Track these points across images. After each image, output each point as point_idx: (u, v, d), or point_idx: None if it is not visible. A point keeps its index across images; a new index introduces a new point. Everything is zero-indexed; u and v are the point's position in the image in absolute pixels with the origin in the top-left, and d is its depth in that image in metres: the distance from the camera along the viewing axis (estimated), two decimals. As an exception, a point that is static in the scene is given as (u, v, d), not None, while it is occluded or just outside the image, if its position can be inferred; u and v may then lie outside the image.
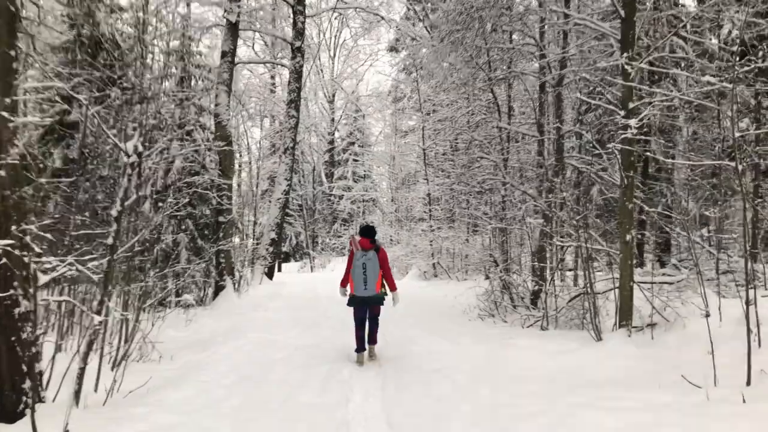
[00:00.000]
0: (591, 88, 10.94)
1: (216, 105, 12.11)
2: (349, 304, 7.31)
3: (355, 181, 32.46)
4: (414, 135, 24.96)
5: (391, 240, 23.42)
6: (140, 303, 7.14)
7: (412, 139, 27.64)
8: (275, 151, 34.76)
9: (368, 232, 7.32)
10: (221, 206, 12.08)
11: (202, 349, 7.66)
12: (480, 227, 18.60)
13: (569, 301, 9.04)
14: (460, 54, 11.22)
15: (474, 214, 16.21)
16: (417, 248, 18.93)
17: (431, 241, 17.79)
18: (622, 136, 6.70)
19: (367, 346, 7.22)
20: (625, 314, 7.02)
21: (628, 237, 6.92)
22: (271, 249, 18.54)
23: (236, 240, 14.21)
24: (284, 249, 40.76)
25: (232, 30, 13.54)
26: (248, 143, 36.69)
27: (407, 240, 20.70)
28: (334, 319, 10.40)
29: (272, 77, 35.84)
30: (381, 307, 7.34)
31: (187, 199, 12.04)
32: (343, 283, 7.53)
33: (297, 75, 19.16)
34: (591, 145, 11.56)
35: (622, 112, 6.83)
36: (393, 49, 42.37)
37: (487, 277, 18.40)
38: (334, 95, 41.91)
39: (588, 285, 7.42)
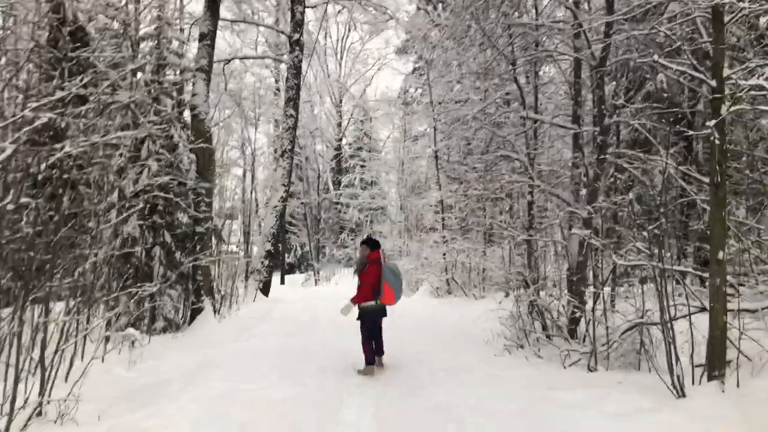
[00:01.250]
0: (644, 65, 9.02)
1: (192, 95, 10.32)
2: (360, 317, 7.41)
3: (363, 189, 30.61)
4: (425, 138, 23.17)
5: (400, 252, 21.52)
6: (67, 336, 5.32)
7: (422, 142, 25.84)
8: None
9: (374, 245, 7.62)
10: (198, 214, 10.28)
11: (146, 401, 5.80)
12: (496, 238, 16.69)
13: (623, 333, 7.10)
14: (476, 34, 9.40)
15: (494, 223, 14.31)
16: (428, 261, 17.02)
17: (444, 254, 15.88)
18: (713, 120, 4.81)
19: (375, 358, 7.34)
20: (718, 360, 5.09)
21: (720, 254, 5.01)
22: (266, 262, 16.72)
23: (221, 252, 12.39)
24: (288, 260, 39.04)
25: (212, 8, 11.79)
26: (253, 150, 35.13)
27: (417, 252, 18.80)
28: (333, 353, 8.52)
29: (276, 81, 34.25)
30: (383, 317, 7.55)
31: (161, 207, 10.30)
32: (358, 299, 7.43)
33: (296, 70, 17.42)
34: (636, 138, 9.65)
35: (713, 82, 4.93)
36: (402, 51, 40.83)
37: (507, 295, 16.47)
38: (341, 100, 40.24)
39: (662, 315, 5.49)
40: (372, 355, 7.22)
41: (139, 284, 9.25)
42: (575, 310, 8.53)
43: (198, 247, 10.29)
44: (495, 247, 16.22)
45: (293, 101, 17.31)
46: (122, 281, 9.28)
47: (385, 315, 7.51)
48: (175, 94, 10.89)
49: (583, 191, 8.96)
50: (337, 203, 34.73)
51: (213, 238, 11.60)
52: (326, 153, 41.43)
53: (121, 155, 9.88)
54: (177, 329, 9.94)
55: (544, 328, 8.97)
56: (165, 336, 9.51)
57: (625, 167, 9.27)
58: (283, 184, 17.13)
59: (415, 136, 27.84)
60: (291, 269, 38.51)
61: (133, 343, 7.19)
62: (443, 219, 16.46)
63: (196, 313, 10.35)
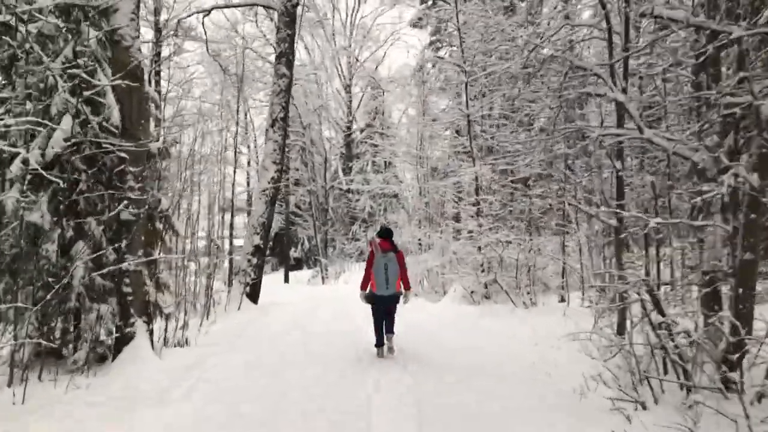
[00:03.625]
0: None
1: (112, 11, 6.76)
2: (370, 302, 7.59)
3: (375, 173, 26.99)
4: (447, 114, 19.44)
5: (420, 245, 17.89)
6: None
7: (445, 118, 22.05)
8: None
9: (387, 233, 7.78)
10: (123, 192, 6.75)
11: None
12: (537, 228, 13.03)
13: None
14: None
15: (553, 203, 10.66)
16: (459, 258, 13.40)
17: (480, 248, 12.24)
18: None
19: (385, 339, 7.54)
20: None
21: None
22: (254, 260, 13.21)
23: (168, 248, 8.87)
24: (295, 254, 35.56)
25: None
26: (255, 138, 31.58)
27: (443, 246, 15.17)
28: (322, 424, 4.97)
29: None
30: (397, 303, 7.63)
31: (86, 184, 6.82)
32: (363, 286, 7.65)
33: (288, 18, 13.81)
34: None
35: None
36: (417, 23, 37.07)
37: (563, 300, 12.81)
38: (351, 80, 36.58)
39: None
40: (380, 338, 7.56)
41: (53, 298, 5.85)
42: (737, 343, 4.92)
43: (123, 244, 6.76)
44: (543, 239, 12.54)
45: (286, 57, 13.73)
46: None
47: (395, 302, 7.63)
48: (104, 24, 7.35)
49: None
50: (347, 191, 31.11)
51: (157, 227, 8.08)
52: (335, 138, 37.90)
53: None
54: (88, 368, 6.42)
55: (678, 371, 5.34)
56: (76, 378, 5.99)
57: None
58: (275, 162, 13.59)
59: (433, 118, 24.05)
60: (297, 264, 35.04)
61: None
62: (478, 203, 12.79)
63: (124, 342, 6.84)
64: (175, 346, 7.90)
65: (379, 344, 7.50)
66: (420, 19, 33.65)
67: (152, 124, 7.97)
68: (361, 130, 36.10)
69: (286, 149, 28.91)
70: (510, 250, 11.63)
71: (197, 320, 10.75)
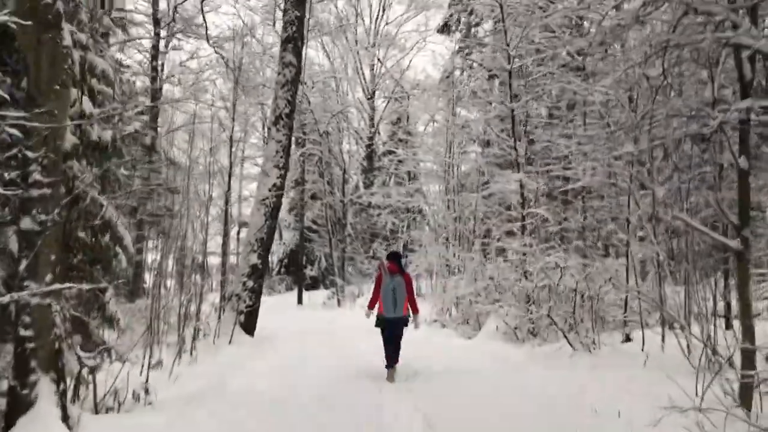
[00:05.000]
0: None
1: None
2: (378, 325, 7.75)
3: (398, 185, 24.67)
4: (479, 108, 17.10)
5: (448, 267, 15.48)
6: None
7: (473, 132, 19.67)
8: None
9: (395, 257, 8.08)
10: (22, 190, 4.56)
11: None
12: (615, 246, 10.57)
13: None
14: None
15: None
16: (497, 284, 10.99)
17: (525, 273, 9.84)
18: None
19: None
20: None
21: None
22: (250, 283, 10.97)
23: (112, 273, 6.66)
24: (312, 273, 33.31)
25: None
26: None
27: (475, 270, 12.78)
28: None
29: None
30: (405, 328, 7.76)
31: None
32: (371, 305, 7.92)
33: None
34: None
35: None
36: (445, 29, 35.02)
37: (628, 340, 10.30)
38: (374, 92, 34.52)
39: None
40: (390, 360, 7.62)
41: None
42: None
43: (22, 266, 4.55)
44: (611, 261, 10.07)
45: (293, 43, 11.59)
46: None
47: (402, 325, 7.69)
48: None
49: None
50: (368, 205, 28.79)
51: (103, 241, 5.88)
52: (356, 151, 35.75)
53: None
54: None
55: None
56: None
57: None
58: (278, 166, 11.39)
59: (464, 122, 21.67)
60: (314, 284, 32.78)
61: None
62: (524, 218, 10.38)
63: (18, 410, 4.60)
64: (107, 411, 5.59)
65: (390, 366, 7.62)
66: (447, 24, 31.60)
67: (80, 95, 5.79)
68: (384, 144, 33.91)
69: (302, 159, 26.92)
70: (565, 276, 9.17)
71: (179, 360, 8.55)
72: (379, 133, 35.47)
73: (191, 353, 9.80)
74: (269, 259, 39.98)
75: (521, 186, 10.25)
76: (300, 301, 25.61)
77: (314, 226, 29.49)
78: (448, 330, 12.99)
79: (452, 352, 9.86)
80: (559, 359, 8.33)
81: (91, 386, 5.49)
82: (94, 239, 6.07)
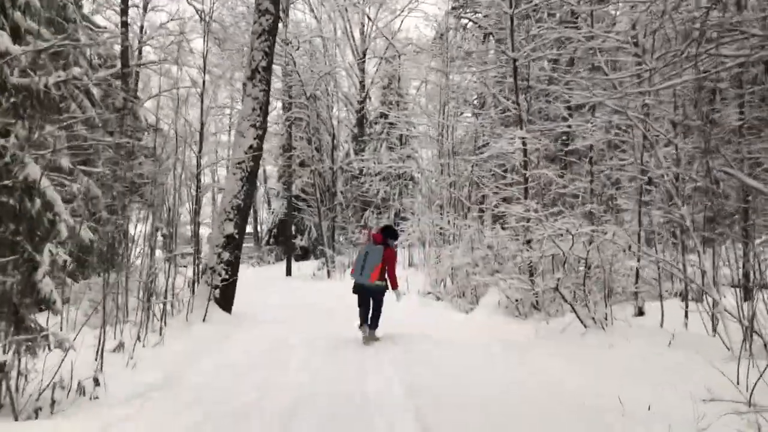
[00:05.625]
0: None
1: None
2: (353, 290, 8.11)
3: (390, 149, 23.52)
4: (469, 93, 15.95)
5: (442, 235, 14.52)
6: None
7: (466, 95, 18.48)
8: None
9: (385, 230, 8.15)
10: None
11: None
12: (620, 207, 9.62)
13: None
14: None
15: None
16: (496, 253, 10.05)
17: (529, 241, 8.88)
18: None
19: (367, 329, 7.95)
20: None
21: None
22: (225, 255, 9.98)
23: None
24: (302, 243, 32.33)
25: None
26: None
27: (472, 238, 11.82)
28: None
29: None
30: (382, 297, 8.04)
31: None
32: (353, 271, 8.12)
33: (274, -65, 10.44)
34: None
35: None
36: (438, -13, 33.46)
37: (641, 313, 9.41)
38: (364, 54, 33.02)
39: None
40: (361, 318, 8.07)
41: None
42: None
43: None
44: (611, 227, 9.09)
45: (270, -13, 10.36)
46: None
47: (374, 293, 7.97)
48: None
49: None
50: (359, 173, 27.66)
51: (29, 208, 4.87)
52: (347, 118, 34.41)
53: None
54: None
55: None
56: None
57: None
58: (254, 125, 10.28)
59: (457, 87, 20.36)
60: (304, 254, 31.84)
61: None
62: (527, 181, 9.37)
63: None
64: (37, 413, 4.62)
65: (361, 324, 8.02)
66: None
67: None
68: (375, 110, 32.59)
69: (288, 123, 25.66)
70: (577, 244, 8.19)
71: (144, 341, 7.61)
72: (370, 99, 34.14)
73: (161, 332, 8.88)
74: (259, 228, 39.22)
75: (524, 144, 9.20)
76: (289, 272, 24.69)
77: (303, 195, 28.40)
78: (443, 303, 12.09)
79: (448, 329, 8.95)
80: (570, 338, 7.43)
81: (22, 382, 4.52)
82: (19, 205, 5.03)
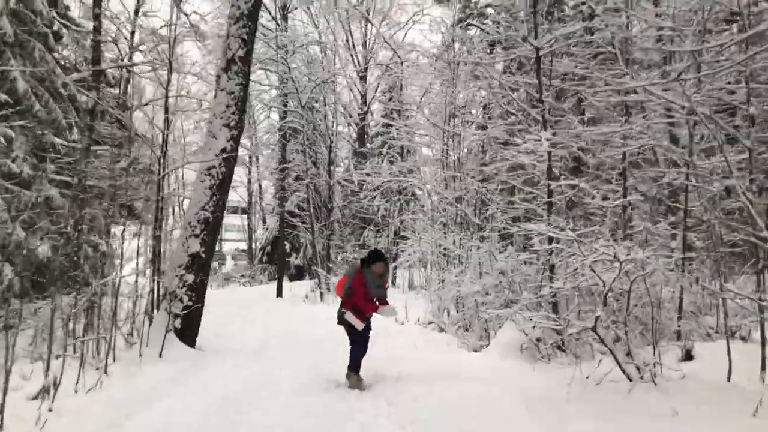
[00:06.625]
0: None
1: None
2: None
3: (390, 162, 21.92)
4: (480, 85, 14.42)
5: (446, 258, 12.91)
6: None
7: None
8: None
9: (371, 254, 7.23)
10: None
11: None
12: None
13: None
14: None
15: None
16: (510, 281, 8.43)
17: (552, 268, 7.25)
18: None
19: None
20: None
21: None
22: (190, 278, 8.35)
23: None
24: (296, 262, 30.64)
25: None
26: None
27: (480, 260, 10.24)
28: None
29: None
30: (357, 332, 6.81)
31: None
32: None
33: None
34: None
35: None
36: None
37: (690, 357, 7.74)
38: (366, 68, 31.66)
39: None
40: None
41: None
42: None
43: None
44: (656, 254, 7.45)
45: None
46: None
47: (349, 328, 6.83)
48: None
49: None
50: (359, 189, 26.03)
51: None
52: (347, 132, 32.95)
53: None
54: None
55: None
56: None
57: None
58: (228, 125, 8.69)
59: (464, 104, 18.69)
60: (299, 274, 30.16)
61: None
62: (550, 193, 7.75)
63: None
64: None
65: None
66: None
67: None
68: (376, 125, 31.10)
69: (282, 133, 24.11)
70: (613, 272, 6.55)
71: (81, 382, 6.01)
72: (371, 113, 32.75)
73: (106, 370, 7.25)
74: (253, 246, 37.53)
75: (548, 151, 7.58)
76: (280, 293, 22.97)
77: (298, 211, 26.78)
78: (446, 336, 10.42)
79: (455, 374, 7.27)
80: (613, 396, 5.73)
81: None
82: None
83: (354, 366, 6.81)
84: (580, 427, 4.98)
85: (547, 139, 6.99)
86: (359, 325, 6.74)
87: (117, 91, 22.76)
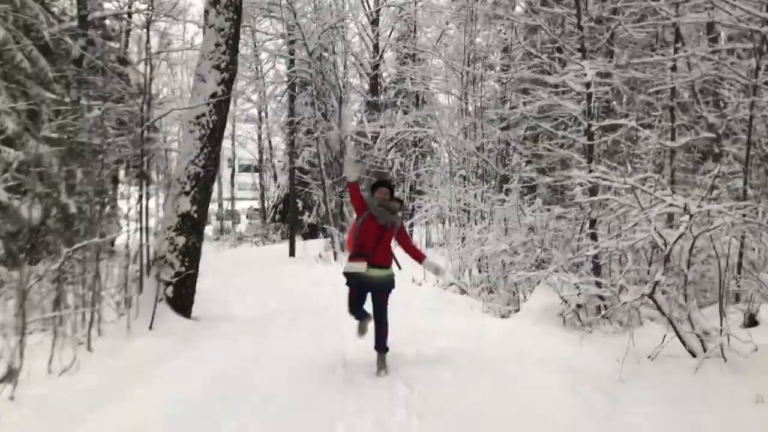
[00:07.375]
0: None
1: None
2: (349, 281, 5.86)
3: (405, 112, 20.68)
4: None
5: (467, 214, 11.86)
6: None
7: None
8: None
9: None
10: None
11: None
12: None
13: None
14: None
15: None
16: (542, 239, 7.41)
17: (593, 221, 6.20)
18: None
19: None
20: None
21: None
22: (179, 240, 7.42)
23: None
24: (309, 220, 29.78)
25: None
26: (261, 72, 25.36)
27: (506, 217, 9.21)
28: None
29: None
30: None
31: None
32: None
33: None
34: None
35: None
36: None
37: (749, 320, 6.72)
38: (378, 11, 29.95)
39: None
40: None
41: None
42: None
43: None
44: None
45: None
46: None
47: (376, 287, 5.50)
48: None
49: None
50: (372, 142, 24.88)
51: None
52: (359, 85, 31.49)
53: None
54: None
55: None
56: None
57: None
58: (218, 66, 7.61)
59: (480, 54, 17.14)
60: (312, 232, 29.32)
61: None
62: (591, 136, 6.63)
63: None
64: None
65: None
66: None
67: None
68: (389, 76, 29.59)
69: (289, 82, 22.88)
70: (667, 227, 5.50)
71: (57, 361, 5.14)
72: (384, 62, 31.18)
73: (89, 346, 6.44)
74: (265, 204, 36.71)
75: (588, 87, 6.41)
76: (292, 252, 22.19)
77: (309, 167, 25.75)
78: (469, 298, 9.49)
79: (483, 344, 6.35)
80: (677, 374, 4.76)
81: None
82: None
83: (383, 346, 5.51)
84: (641, 417, 4.02)
85: (592, 68, 5.85)
86: (361, 267, 5.34)
87: (117, 45, 21.64)
